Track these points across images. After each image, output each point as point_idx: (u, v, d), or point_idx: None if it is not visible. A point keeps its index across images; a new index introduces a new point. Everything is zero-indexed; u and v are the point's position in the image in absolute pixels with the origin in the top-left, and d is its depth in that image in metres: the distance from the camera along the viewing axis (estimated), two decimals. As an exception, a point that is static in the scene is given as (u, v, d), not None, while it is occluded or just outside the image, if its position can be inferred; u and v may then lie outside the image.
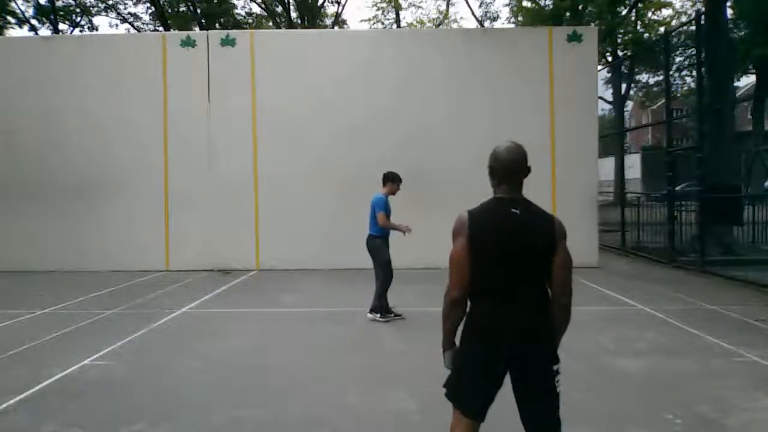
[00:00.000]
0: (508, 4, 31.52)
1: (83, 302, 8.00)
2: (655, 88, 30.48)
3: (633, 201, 13.91)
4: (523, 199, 2.49)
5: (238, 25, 27.61)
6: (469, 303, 2.47)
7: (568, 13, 24.07)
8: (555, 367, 2.41)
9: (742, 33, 18.15)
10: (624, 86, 27.39)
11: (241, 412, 4.05)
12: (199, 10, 27.47)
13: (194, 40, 11.13)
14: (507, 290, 2.38)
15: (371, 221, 6.73)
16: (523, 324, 2.35)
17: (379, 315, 6.68)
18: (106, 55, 11.12)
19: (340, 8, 30.08)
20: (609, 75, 26.78)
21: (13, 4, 24.97)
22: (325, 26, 29.30)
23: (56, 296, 8.22)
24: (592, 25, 20.88)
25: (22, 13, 25.59)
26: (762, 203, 12.08)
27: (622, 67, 26.34)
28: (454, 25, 32.38)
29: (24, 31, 25.56)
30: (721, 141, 10.85)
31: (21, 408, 4.16)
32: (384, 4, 30.39)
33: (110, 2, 27.17)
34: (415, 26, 31.62)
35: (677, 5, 27.61)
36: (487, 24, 29.69)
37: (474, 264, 2.39)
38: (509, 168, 2.50)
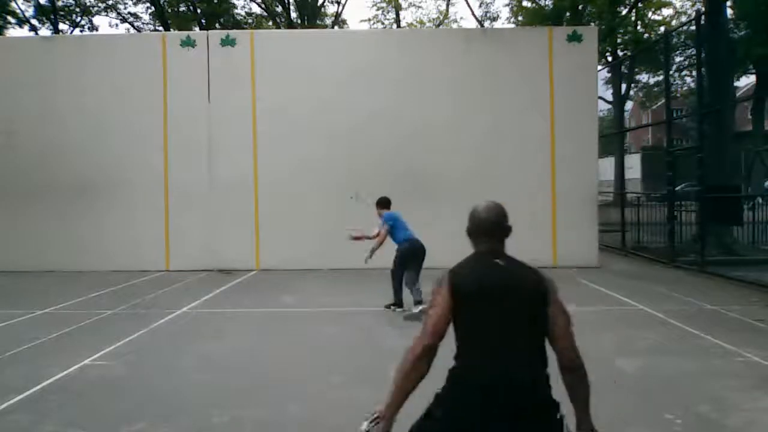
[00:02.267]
0: (508, 4, 31.51)
1: (83, 302, 8.00)
2: (655, 88, 30.47)
3: (633, 201, 13.91)
4: (506, 254, 2.36)
5: (238, 25, 27.60)
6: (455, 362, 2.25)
7: (568, 13, 24.09)
8: (558, 416, 2.21)
9: (742, 33, 18.15)
10: (624, 86, 27.39)
11: (241, 412, 4.05)
12: (199, 10, 27.46)
13: (194, 40, 11.12)
14: (501, 344, 2.15)
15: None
16: (525, 378, 2.18)
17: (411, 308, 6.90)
18: (106, 55, 11.12)
19: (340, 8, 30.10)
20: (609, 75, 26.77)
21: (13, 4, 24.99)
22: (325, 26, 29.30)
23: (56, 296, 8.21)
24: (592, 25, 20.88)
25: (22, 13, 25.60)
26: (762, 203, 12.09)
27: (622, 67, 26.34)
28: (454, 25, 32.40)
29: (24, 31, 25.58)
30: (721, 141, 10.85)
31: (21, 408, 4.16)
32: (384, 4, 30.42)
33: (110, 2, 27.18)
34: (415, 26, 31.64)
35: (677, 5, 27.63)
36: (487, 24, 29.69)
37: (460, 320, 2.21)
38: (488, 229, 2.42)
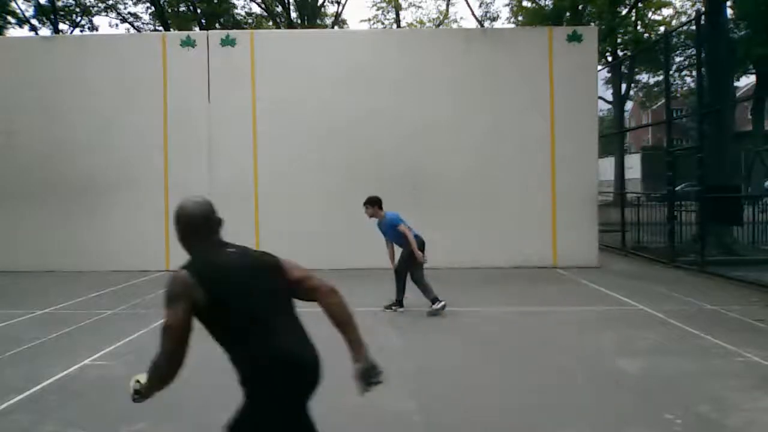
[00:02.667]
0: (508, 4, 31.51)
1: (83, 302, 7.99)
2: (655, 88, 30.47)
3: (633, 201, 13.90)
4: (227, 242, 2.41)
5: (238, 25, 27.59)
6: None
7: (568, 13, 24.08)
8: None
9: (742, 33, 18.15)
10: (624, 86, 27.38)
11: (241, 412, 4.04)
12: (199, 10, 27.46)
13: (194, 40, 11.12)
14: (271, 325, 2.17)
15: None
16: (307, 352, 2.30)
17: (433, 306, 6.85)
18: (107, 55, 11.12)
19: (340, 8, 30.09)
20: (609, 75, 26.77)
21: (13, 4, 24.98)
22: (325, 26, 29.29)
23: (56, 296, 8.21)
24: (592, 25, 20.88)
25: (23, 13, 25.60)
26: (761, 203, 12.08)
27: (622, 67, 26.33)
28: (454, 25, 32.38)
29: (24, 31, 25.57)
30: (721, 141, 10.85)
31: (21, 408, 4.16)
32: (384, 4, 30.41)
33: (110, 2, 27.17)
34: (415, 26, 31.63)
35: (677, 5, 27.64)
36: (487, 24, 29.67)
37: (219, 315, 2.21)
38: (206, 223, 2.48)
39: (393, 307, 7.11)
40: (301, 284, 2.31)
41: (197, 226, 2.43)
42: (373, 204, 7.04)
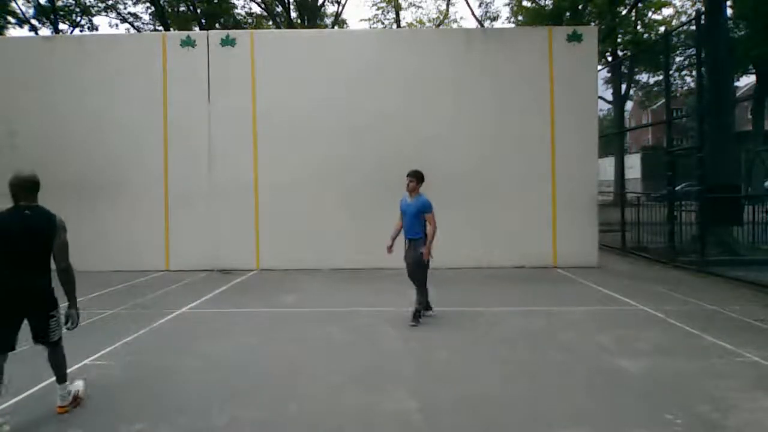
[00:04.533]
0: (508, 4, 31.51)
1: (83, 302, 7.97)
2: (655, 88, 30.49)
3: (633, 201, 13.89)
4: (37, 204, 3.91)
5: (238, 25, 27.61)
6: None
7: (568, 13, 24.09)
8: (52, 313, 3.97)
9: (742, 33, 18.16)
10: (624, 86, 27.39)
11: (241, 412, 4.05)
12: (199, 10, 27.47)
13: (194, 40, 11.12)
14: (18, 267, 3.78)
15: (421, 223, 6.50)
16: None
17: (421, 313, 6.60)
18: (107, 55, 11.12)
19: (340, 8, 30.11)
20: (609, 75, 26.79)
21: (13, 4, 25.01)
22: (325, 26, 29.31)
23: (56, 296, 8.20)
24: (592, 25, 20.88)
25: (23, 13, 25.62)
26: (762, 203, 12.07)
27: (622, 67, 26.34)
28: (454, 25, 32.40)
29: (24, 31, 25.61)
30: (721, 141, 10.84)
31: (21, 408, 4.16)
32: (384, 4, 30.42)
33: (110, 2, 27.19)
34: (415, 26, 31.64)
35: (677, 5, 27.65)
36: (487, 24, 29.68)
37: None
38: (23, 186, 3.86)
39: (427, 313, 6.77)
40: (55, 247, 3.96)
41: (15, 188, 3.89)
42: (420, 179, 6.55)
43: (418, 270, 6.47)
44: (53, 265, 3.94)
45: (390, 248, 6.48)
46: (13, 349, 3.88)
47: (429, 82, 10.93)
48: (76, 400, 4.14)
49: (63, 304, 4.04)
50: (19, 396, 4.36)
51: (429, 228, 6.44)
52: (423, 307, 6.60)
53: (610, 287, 8.58)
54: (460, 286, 8.89)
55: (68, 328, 3.98)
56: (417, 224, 6.45)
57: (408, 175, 6.53)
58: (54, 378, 4.13)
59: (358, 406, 4.18)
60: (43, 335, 3.94)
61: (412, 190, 6.53)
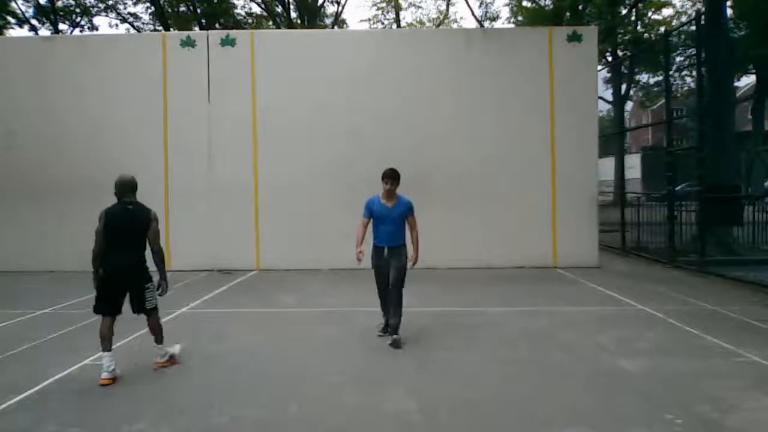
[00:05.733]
0: (508, 4, 31.53)
1: (83, 302, 7.97)
2: (655, 88, 30.49)
3: (633, 201, 13.89)
4: (136, 200, 5.05)
5: (238, 25, 27.60)
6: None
7: (568, 13, 24.09)
8: (147, 285, 4.94)
9: (742, 33, 18.16)
10: (624, 86, 27.39)
11: (241, 412, 4.05)
12: (199, 10, 27.46)
13: (194, 40, 11.12)
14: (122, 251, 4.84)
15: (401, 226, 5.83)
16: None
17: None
18: (106, 55, 11.12)
19: (340, 8, 30.11)
20: (609, 75, 26.78)
21: (13, 4, 24.99)
22: (325, 26, 29.30)
23: (56, 296, 8.21)
24: (592, 25, 20.89)
25: (22, 13, 25.61)
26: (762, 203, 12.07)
27: (622, 67, 26.34)
28: (454, 25, 32.40)
29: (24, 31, 25.60)
30: (721, 141, 10.84)
31: (21, 408, 4.16)
32: (384, 4, 30.41)
33: (110, 2, 27.19)
34: (415, 26, 31.64)
35: (677, 5, 27.66)
36: (487, 24, 29.66)
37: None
38: (126, 186, 5.11)
39: (390, 334, 5.78)
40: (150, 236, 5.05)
41: (118, 188, 5.14)
42: (398, 180, 5.81)
43: (402, 280, 5.75)
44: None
45: (362, 254, 5.69)
46: (120, 312, 4.86)
47: (429, 82, 10.93)
48: (171, 359, 5.09)
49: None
50: (19, 396, 4.36)
51: (414, 232, 5.88)
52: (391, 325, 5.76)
53: (610, 287, 8.58)
54: (460, 286, 8.89)
55: (159, 295, 5.00)
56: (401, 230, 5.82)
57: (387, 177, 5.75)
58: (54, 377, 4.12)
59: (358, 406, 4.18)
60: (140, 305, 4.90)
61: (390, 196, 5.79)
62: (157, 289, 4.97)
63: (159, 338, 5.04)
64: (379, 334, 6.03)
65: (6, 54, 11.33)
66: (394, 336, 5.66)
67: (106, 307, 4.81)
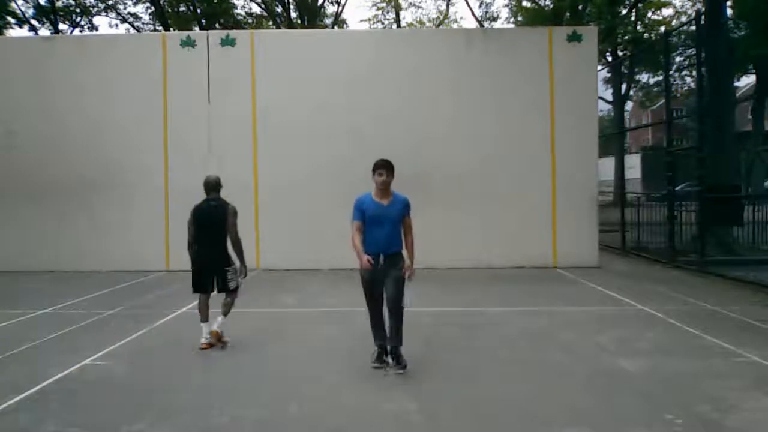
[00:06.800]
0: (508, 4, 31.53)
1: (83, 302, 7.99)
2: (655, 88, 30.48)
3: (633, 201, 13.89)
4: (219, 197, 5.78)
5: (238, 25, 27.59)
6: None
7: (568, 13, 24.09)
8: (227, 268, 5.77)
9: (742, 33, 18.15)
10: (624, 86, 27.38)
11: (241, 412, 4.05)
12: (199, 10, 27.46)
13: (194, 40, 11.12)
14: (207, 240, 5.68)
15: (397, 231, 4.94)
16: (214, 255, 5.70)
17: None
18: (106, 55, 11.12)
19: (340, 8, 30.10)
20: (609, 75, 26.77)
21: (13, 4, 24.99)
22: (325, 26, 29.29)
23: (56, 296, 8.21)
24: (592, 25, 20.88)
25: (22, 13, 25.60)
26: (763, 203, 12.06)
27: (622, 67, 26.33)
28: (454, 25, 32.39)
29: (24, 31, 25.60)
30: (721, 141, 10.84)
31: (21, 408, 4.16)
32: (384, 4, 30.41)
33: (110, 2, 27.19)
34: (415, 26, 31.63)
35: (677, 5, 27.65)
36: (486, 24, 29.66)
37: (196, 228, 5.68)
38: (211, 185, 5.81)
39: (393, 362, 4.91)
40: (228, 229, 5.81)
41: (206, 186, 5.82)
42: (393, 172, 5.06)
43: (401, 294, 4.85)
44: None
45: (372, 259, 4.75)
46: (213, 290, 5.76)
47: (429, 82, 10.93)
48: (220, 339, 5.69)
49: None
50: (19, 396, 4.36)
51: (410, 236, 4.98)
52: (384, 348, 5.01)
53: (610, 287, 8.57)
54: (460, 286, 8.88)
55: (241, 278, 5.87)
56: (399, 233, 4.92)
57: (380, 167, 4.95)
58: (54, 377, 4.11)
59: (358, 406, 4.18)
60: (224, 285, 5.73)
61: (385, 191, 4.96)
62: (239, 274, 5.80)
63: (226, 313, 5.75)
64: (375, 366, 4.90)
65: (6, 54, 11.33)
66: (400, 364, 4.81)
67: (200, 286, 5.74)
